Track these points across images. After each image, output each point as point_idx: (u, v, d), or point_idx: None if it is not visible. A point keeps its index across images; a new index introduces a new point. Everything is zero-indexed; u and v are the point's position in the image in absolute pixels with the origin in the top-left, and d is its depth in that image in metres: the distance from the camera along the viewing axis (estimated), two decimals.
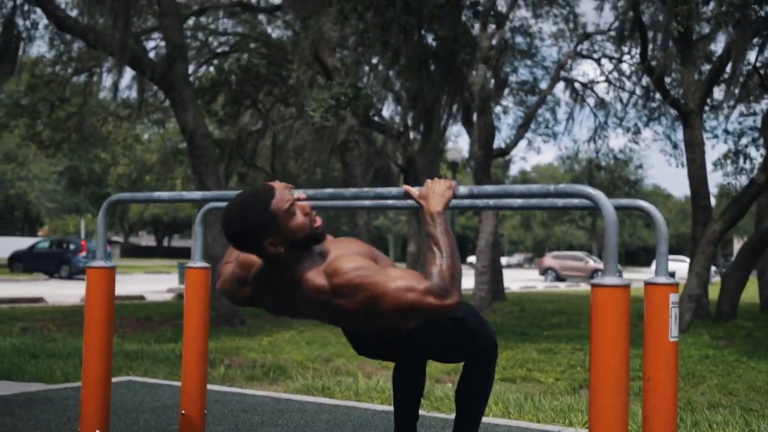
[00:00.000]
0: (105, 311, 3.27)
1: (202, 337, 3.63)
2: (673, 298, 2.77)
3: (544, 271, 39.18)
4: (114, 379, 5.73)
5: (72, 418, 4.56)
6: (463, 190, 2.70)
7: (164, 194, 3.34)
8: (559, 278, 37.98)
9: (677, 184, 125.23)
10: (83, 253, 29.35)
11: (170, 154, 22.69)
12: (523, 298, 20.32)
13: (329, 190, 2.95)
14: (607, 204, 2.37)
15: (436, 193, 2.67)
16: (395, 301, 2.56)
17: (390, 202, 3.34)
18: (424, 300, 2.55)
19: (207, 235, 11.12)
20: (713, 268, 26.83)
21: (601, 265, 39.48)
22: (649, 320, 2.77)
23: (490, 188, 2.67)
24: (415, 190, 2.73)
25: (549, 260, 40.06)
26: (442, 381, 6.68)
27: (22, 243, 40.64)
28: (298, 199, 2.77)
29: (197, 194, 3.25)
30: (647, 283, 2.80)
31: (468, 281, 19.58)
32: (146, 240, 77.56)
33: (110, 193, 46.54)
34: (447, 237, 2.61)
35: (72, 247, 30.01)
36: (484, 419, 4.80)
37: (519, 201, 3.11)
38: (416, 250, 22.08)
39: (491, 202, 3.15)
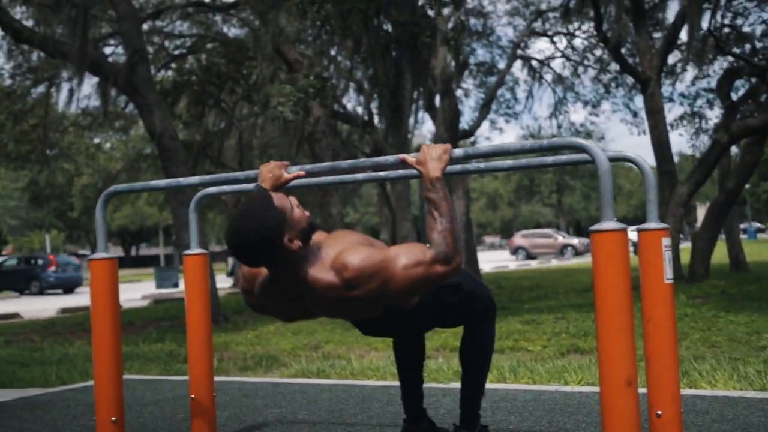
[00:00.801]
0: (112, 299, 3.33)
1: (206, 322, 3.70)
2: (666, 242, 2.88)
3: (514, 251, 39.48)
4: None
5: (77, 416, 4.60)
6: (458, 152, 2.79)
7: (161, 182, 3.40)
8: (530, 256, 38.30)
9: (647, 149, 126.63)
10: (52, 268, 29.10)
11: (135, 160, 22.53)
12: (498, 277, 20.52)
13: (327, 164, 3.02)
14: (600, 153, 2.48)
15: (433, 158, 2.75)
16: (406, 279, 2.64)
17: (383, 173, 3.42)
18: (432, 270, 2.64)
19: (183, 235, 11.15)
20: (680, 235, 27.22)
21: (570, 240, 39.95)
22: (645, 265, 2.89)
23: (484, 147, 2.77)
24: (411, 158, 2.80)
25: (519, 239, 40.38)
26: (432, 357, 6.78)
27: None
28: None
29: (195, 179, 3.31)
30: (640, 230, 2.91)
31: None
32: (114, 251, 76.85)
33: (74, 205, 46.13)
34: (446, 201, 2.70)
35: (41, 262, 29.72)
36: None
37: (509, 162, 3.21)
38: (389, 237, 22.19)
39: (482, 165, 3.25)
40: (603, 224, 2.43)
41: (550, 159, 3.16)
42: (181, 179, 3.37)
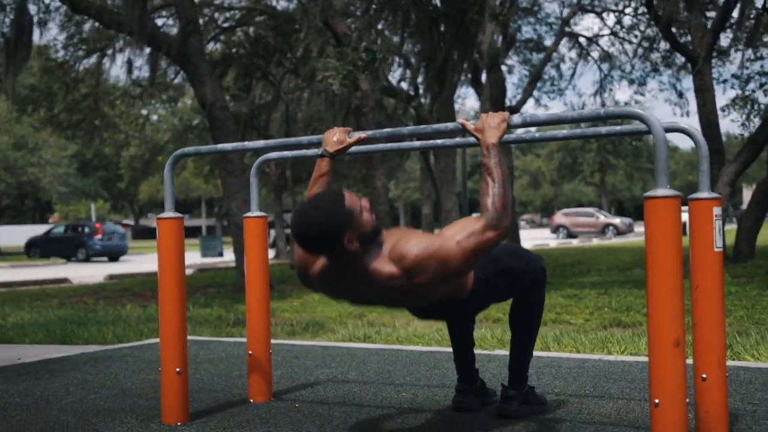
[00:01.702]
0: (178, 256, 3.48)
1: (264, 282, 3.85)
2: (716, 211, 2.96)
3: (555, 229, 39.36)
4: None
5: (136, 371, 4.80)
6: (516, 119, 2.89)
7: (228, 145, 3.54)
8: (571, 235, 38.17)
9: (680, 137, 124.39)
10: (98, 236, 29.68)
11: (183, 131, 22.83)
12: (539, 254, 20.51)
13: (387, 130, 3.14)
14: (656, 122, 2.56)
15: (491, 126, 2.85)
16: (462, 253, 2.73)
17: (440, 141, 3.52)
18: (484, 238, 2.74)
19: (231, 204, 11.34)
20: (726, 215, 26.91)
21: (611, 219, 39.69)
22: (695, 233, 2.97)
23: (542, 115, 2.86)
24: (470, 124, 2.91)
25: (560, 218, 40.26)
26: (475, 327, 6.87)
27: (36, 230, 41.01)
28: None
29: (260, 142, 3.44)
30: (691, 199, 2.99)
31: None
32: (156, 221, 77.89)
33: (122, 176, 46.85)
34: (500, 167, 2.80)
35: (87, 230, 30.33)
36: None
37: (564, 132, 3.29)
38: (430, 211, 22.29)
39: (537, 134, 3.34)
40: (657, 191, 2.52)
41: (604, 129, 3.24)
42: (247, 142, 3.51)
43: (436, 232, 2.95)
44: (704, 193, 2.98)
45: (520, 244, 17.45)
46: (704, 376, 2.93)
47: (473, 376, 3.52)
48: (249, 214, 3.87)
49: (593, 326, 6.80)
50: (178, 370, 3.46)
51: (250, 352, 3.83)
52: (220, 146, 3.57)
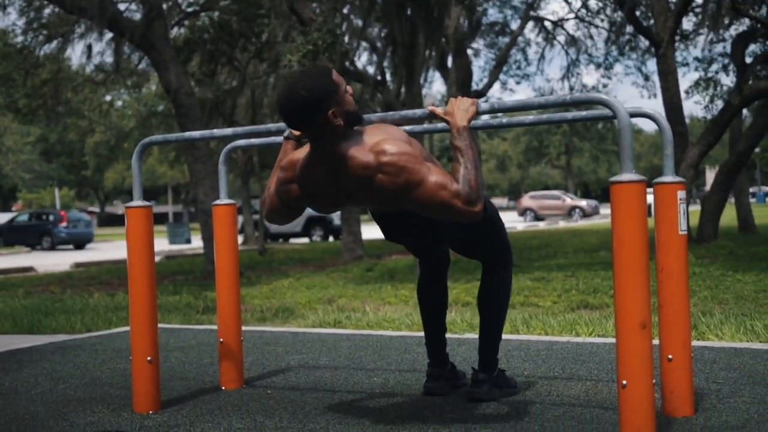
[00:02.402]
0: (147, 245, 3.47)
1: (234, 269, 3.85)
2: (681, 194, 3.01)
3: (522, 212, 39.65)
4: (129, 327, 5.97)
5: (105, 360, 4.78)
6: (484, 105, 2.91)
7: (195, 133, 3.53)
8: (538, 218, 38.48)
9: (646, 120, 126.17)
10: (64, 224, 29.37)
11: (147, 117, 22.61)
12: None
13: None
14: (621, 107, 2.60)
15: (460, 109, 2.89)
16: (429, 193, 2.76)
17: (408, 127, 3.54)
18: (452, 201, 2.76)
19: (198, 190, 11.29)
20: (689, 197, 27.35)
21: (578, 202, 40.04)
22: (660, 216, 3.02)
23: (509, 101, 2.89)
24: (439, 110, 2.93)
25: (527, 201, 40.56)
26: None
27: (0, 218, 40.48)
28: None
29: (228, 130, 3.43)
30: (656, 183, 3.04)
31: None
32: (122, 208, 77.08)
33: (87, 163, 46.34)
34: (471, 150, 2.83)
35: (52, 218, 30.00)
36: None
37: (530, 117, 3.33)
38: None
39: (504, 120, 3.37)
40: (623, 176, 2.56)
41: (570, 115, 3.27)
42: (215, 130, 3.50)
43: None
44: (669, 177, 3.03)
45: None
46: (670, 356, 2.99)
47: (444, 360, 3.56)
48: (218, 201, 3.86)
49: (561, 309, 6.89)
50: (149, 358, 3.45)
51: (221, 339, 3.84)
52: (188, 134, 3.55)
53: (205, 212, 11.20)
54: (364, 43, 17.16)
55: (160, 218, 59.27)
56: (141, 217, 3.48)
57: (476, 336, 3.41)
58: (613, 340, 4.61)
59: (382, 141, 2.81)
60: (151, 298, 3.47)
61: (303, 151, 3.02)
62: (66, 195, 55.68)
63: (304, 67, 2.87)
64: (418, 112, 3.02)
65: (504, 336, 5.03)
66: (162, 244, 25.36)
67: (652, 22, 15.09)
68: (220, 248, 3.83)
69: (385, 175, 2.78)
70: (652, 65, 21.12)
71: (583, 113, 3.28)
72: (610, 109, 2.62)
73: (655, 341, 3.17)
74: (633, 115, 3.12)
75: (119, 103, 29.72)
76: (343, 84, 2.85)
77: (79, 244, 29.75)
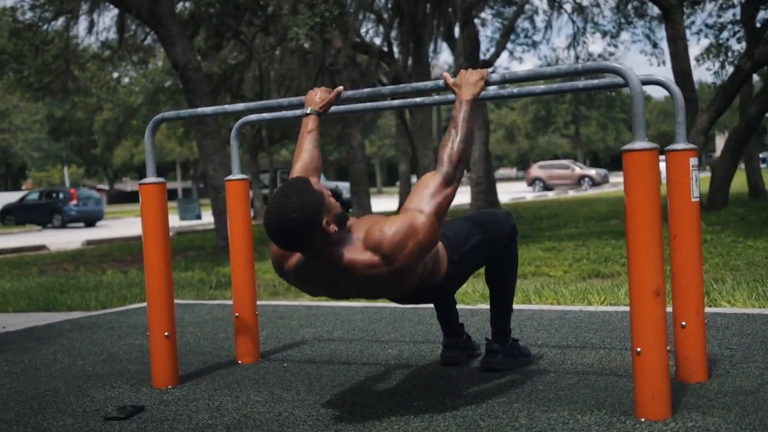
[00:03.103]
0: (161, 221, 3.49)
1: (248, 245, 3.87)
2: (693, 161, 3.01)
3: (531, 182, 39.57)
4: (143, 304, 6.02)
5: (122, 336, 4.83)
6: (495, 77, 2.91)
7: (208, 109, 3.54)
8: (547, 188, 38.40)
9: (652, 87, 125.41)
10: (74, 202, 29.48)
11: (155, 93, 22.58)
12: (516, 207, 20.67)
13: (367, 90, 3.15)
14: (633, 76, 2.60)
15: (468, 83, 2.89)
16: (431, 222, 2.70)
17: (419, 99, 3.54)
18: (443, 196, 2.76)
19: (208, 166, 11.30)
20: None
21: (587, 171, 39.95)
22: (673, 184, 3.02)
23: (520, 72, 2.88)
24: (450, 78, 2.94)
25: (536, 171, 40.45)
26: None
27: (9, 198, 40.65)
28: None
29: (240, 105, 3.44)
30: (668, 150, 3.04)
31: (464, 196, 19.89)
32: (131, 185, 77.33)
33: (96, 141, 46.41)
34: (467, 123, 2.85)
35: (62, 196, 30.11)
36: None
37: (541, 87, 3.32)
38: (407, 168, 22.32)
39: (515, 90, 3.36)
40: (635, 144, 2.57)
41: (581, 83, 3.27)
42: (227, 106, 3.50)
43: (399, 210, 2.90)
44: (681, 144, 3.03)
45: (497, 200, 17.48)
46: (683, 323, 3.00)
47: (459, 330, 3.59)
48: (230, 177, 3.88)
49: (573, 278, 6.90)
50: (166, 334, 3.49)
51: (237, 314, 3.87)
52: (200, 110, 3.56)
53: (215, 188, 11.22)
54: (369, 14, 17.07)
55: (170, 194, 59.40)
56: (155, 194, 3.50)
57: (488, 307, 3.43)
58: (626, 308, 4.65)
59: (369, 233, 2.71)
60: (166, 274, 3.50)
61: (295, 257, 2.88)
62: (75, 173, 55.86)
63: (280, 189, 2.73)
64: (429, 84, 3.03)
65: (516, 306, 5.07)
66: (173, 220, 25.44)
67: None
68: (234, 223, 3.85)
69: (397, 260, 2.67)
70: (660, 32, 20.91)
71: (594, 82, 3.27)
72: (622, 78, 2.62)
73: (669, 308, 3.19)
74: (645, 82, 3.12)
75: (126, 79, 29.73)
76: (324, 189, 2.74)
77: (90, 221, 29.89)
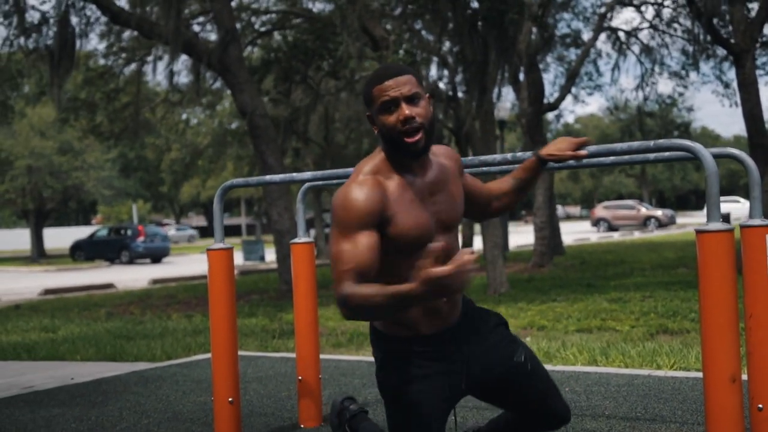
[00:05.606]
0: (228, 288, 3.52)
1: (312, 306, 3.88)
2: None
3: (596, 222, 39.03)
4: (207, 355, 6.06)
5: (186, 392, 4.86)
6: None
7: (276, 177, 3.57)
8: (612, 228, 37.83)
9: (722, 123, 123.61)
10: (141, 238, 30.07)
11: (223, 135, 22.98)
12: (581, 250, 20.39)
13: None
14: (706, 154, 2.54)
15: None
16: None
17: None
18: (336, 279, 2.40)
19: (272, 211, 11.42)
20: None
21: (653, 212, 39.28)
22: (748, 261, 2.93)
23: (593, 148, 2.84)
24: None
25: (600, 211, 39.90)
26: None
27: (80, 232, 41.67)
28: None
29: (307, 174, 3.48)
30: (743, 227, 2.95)
31: (527, 236, 19.67)
32: (196, 221, 78.61)
33: (163, 179, 47.43)
34: (402, 300, 2.09)
35: (130, 233, 30.75)
36: (574, 368, 5.01)
37: (612, 158, 3.27)
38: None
39: (584, 160, 3.31)
40: (709, 225, 2.50)
41: (652, 156, 3.21)
42: (294, 174, 3.54)
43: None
44: (756, 220, 2.94)
45: (560, 242, 17.02)
46: (760, 406, 2.89)
47: None
48: (296, 240, 3.90)
49: (639, 334, 6.75)
50: (230, 399, 3.50)
51: (300, 377, 3.86)
52: (268, 178, 3.60)
53: (279, 232, 11.33)
54: (434, 58, 17.16)
55: (234, 230, 60.29)
56: (222, 259, 3.54)
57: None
58: (697, 375, 4.51)
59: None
60: (232, 342, 3.52)
61: None
62: (142, 208, 57.00)
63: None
64: (497, 157, 3.00)
65: (583, 368, 4.98)
66: (236, 259, 25.75)
67: (729, 28, 14.72)
68: (299, 287, 3.86)
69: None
70: (731, 72, 20.56)
71: (667, 154, 3.21)
72: (695, 156, 2.57)
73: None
74: (719, 156, 3.05)
75: (194, 120, 30.38)
76: (379, 98, 2.35)
77: (156, 257, 30.43)
